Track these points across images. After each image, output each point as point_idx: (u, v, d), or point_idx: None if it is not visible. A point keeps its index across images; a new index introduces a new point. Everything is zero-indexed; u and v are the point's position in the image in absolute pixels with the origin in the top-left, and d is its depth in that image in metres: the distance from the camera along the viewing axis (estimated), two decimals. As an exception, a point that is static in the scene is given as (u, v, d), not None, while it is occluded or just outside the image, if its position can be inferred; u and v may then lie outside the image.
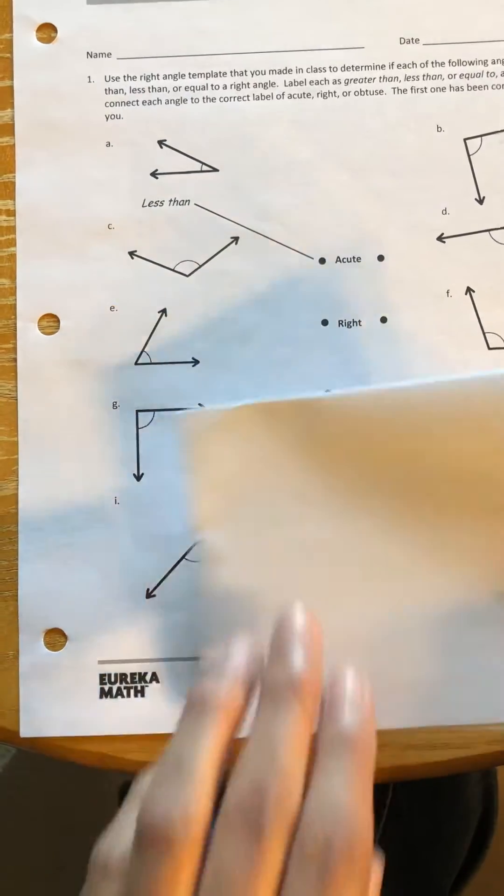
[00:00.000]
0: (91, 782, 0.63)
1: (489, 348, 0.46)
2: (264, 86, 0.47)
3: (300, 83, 0.47)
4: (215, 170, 0.47)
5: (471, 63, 0.46)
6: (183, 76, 0.47)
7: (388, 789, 0.58)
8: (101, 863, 0.35)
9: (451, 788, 0.65)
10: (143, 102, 0.47)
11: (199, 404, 0.46)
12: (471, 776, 0.68)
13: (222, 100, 0.47)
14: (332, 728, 0.34)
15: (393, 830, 0.58)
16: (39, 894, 0.59)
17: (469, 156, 0.46)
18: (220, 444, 0.43)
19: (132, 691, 0.45)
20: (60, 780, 0.67)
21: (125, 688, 0.45)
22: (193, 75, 0.47)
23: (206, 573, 0.44)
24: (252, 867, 0.31)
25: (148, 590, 0.46)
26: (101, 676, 0.46)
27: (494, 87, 0.46)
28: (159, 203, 0.47)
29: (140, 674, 0.45)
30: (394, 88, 0.47)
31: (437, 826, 0.62)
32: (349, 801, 0.32)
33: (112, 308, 0.47)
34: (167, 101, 0.47)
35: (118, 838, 0.35)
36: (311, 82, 0.47)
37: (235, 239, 0.47)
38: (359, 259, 0.46)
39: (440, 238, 0.46)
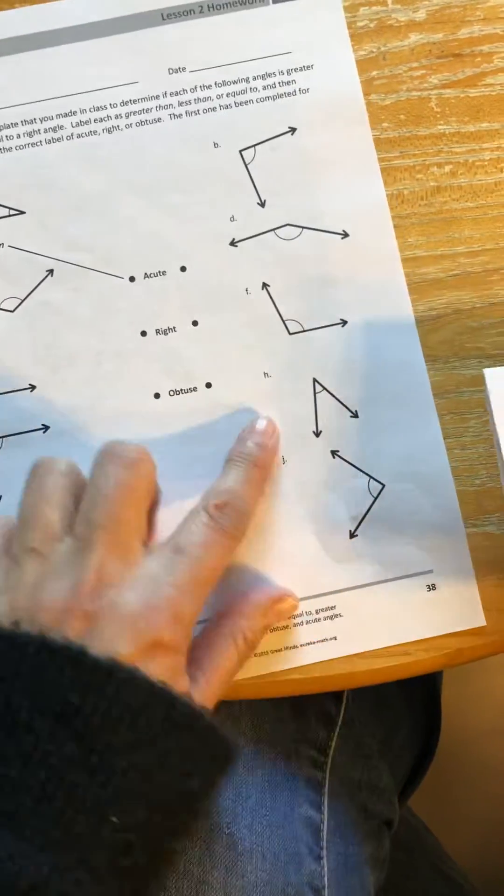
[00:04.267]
0: None
1: (290, 333, 0.52)
2: (54, 130, 0.51)
3: (86, 122, 0.51)
4: (22, 212, 0.50)
5: (234, 82, 0.52)
6: (-22, 131, 0.51)
7: (341, 701, 0.61)
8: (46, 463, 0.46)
9: (400, 702, 0.69)
10: None
11: (44, 425, 0.49)
12: (417, 691, 0.72)
13: (17, 148, 0.50)
14: (239, 448, 0.48)
15: (346, 738, 0.60)
16: None
17: (246, 165, 0.52)
18: None
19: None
20: None
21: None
22: (-12, 129, 0.51)
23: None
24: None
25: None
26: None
27: (258, 100, 0.52)
28: (-25, 250, 0.49)
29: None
30: (170, 115, 0.52)
31: (387, 736, 0.66)
32: (242, 488, 0.46)
33: None
34: (-33, 156, 0.50)
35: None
36: (95, 120, 0.51)
37: (50, 272, 0.50)
38: (164, 272, 0.51)
39: (232, 243, 0.52)
